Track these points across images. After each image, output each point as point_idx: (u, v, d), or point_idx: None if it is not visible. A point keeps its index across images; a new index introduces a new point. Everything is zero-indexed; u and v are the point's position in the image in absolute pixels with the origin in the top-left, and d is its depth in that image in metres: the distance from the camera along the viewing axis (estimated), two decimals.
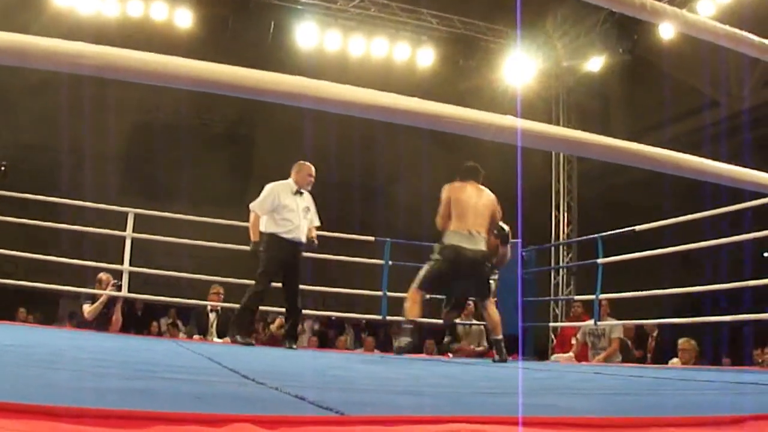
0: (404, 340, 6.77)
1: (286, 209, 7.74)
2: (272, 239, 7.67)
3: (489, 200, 7.21)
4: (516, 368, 5.97)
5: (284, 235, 7.70)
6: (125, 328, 9.55)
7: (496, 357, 7.08)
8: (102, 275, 8.95)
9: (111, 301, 8.97)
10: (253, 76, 1.40)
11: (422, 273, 7.01)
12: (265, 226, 7.73)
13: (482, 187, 7.25)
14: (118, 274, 8.86)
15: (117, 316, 9.10)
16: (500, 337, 7.13)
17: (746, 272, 9.11)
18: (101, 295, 8.85)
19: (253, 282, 7.78)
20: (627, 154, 1.78)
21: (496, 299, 9.73)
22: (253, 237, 7.81)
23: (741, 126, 13.38)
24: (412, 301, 6.96)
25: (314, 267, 10.21)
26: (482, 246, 7.06)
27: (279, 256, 7.65)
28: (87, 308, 8.93)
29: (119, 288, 8.92)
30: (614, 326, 9.89)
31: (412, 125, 1.56)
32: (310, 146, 14.24)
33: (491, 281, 7.51)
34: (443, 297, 7.93)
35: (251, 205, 7.82)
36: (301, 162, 8.05)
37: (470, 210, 7.07)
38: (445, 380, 3.53)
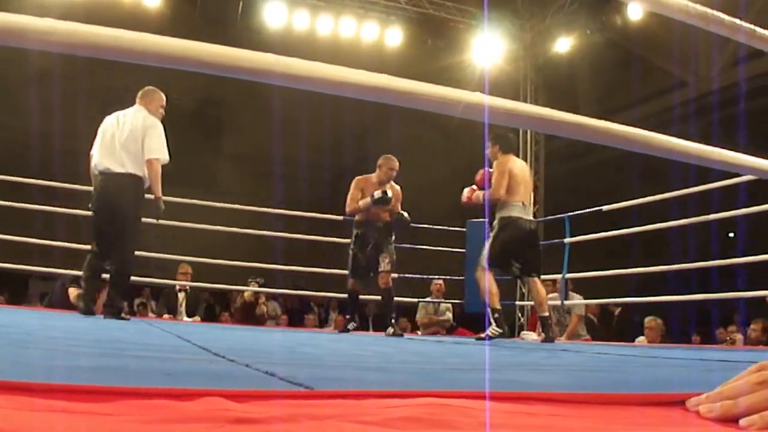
0: (497, 331, 6.83)
1: None
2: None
3: (528, 172, 7.57)
4: (483, 345, 6.00)
5: None
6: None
7: (542, 335, 7.24)
8: None
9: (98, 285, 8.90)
10: (223, 53, 1.39)
11: (487, 251, 7.07)
12: None
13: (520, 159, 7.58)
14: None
15: (101, 299, 9.07)
16: (547, 314, 7.27)
17: (713, 252, 9.19)
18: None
19: (223, 261, 7.87)
20: (595, 132, 1.79)
21: (463, 277, 9.83)
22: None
23: (710, 106, 13.43)
24: (491, 285, 6.99)
25: (284, 247, 10.24)
26: (532, 217, 7.39)
27: None
28: (74, 292, 8.84)
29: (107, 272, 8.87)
30: (575, 304, 9.98)
31: (381, 102, 1.55)
32: (280, 126, 14.22)
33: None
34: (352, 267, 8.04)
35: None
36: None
37: (522, 182, 7.22)
38: (415, 357, 3.55)
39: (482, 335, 7.11)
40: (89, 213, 7.23)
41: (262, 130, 15.52)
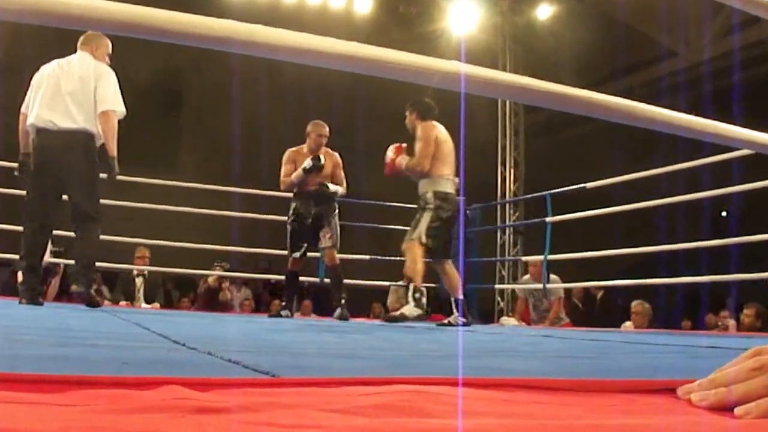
0: (414, 311, 6.63)
1: None
2: None
3: (452, 143, 7.15)
4: (459, 331, 6.02)
5: None
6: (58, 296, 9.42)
7: (456, 319, 6.96)
8: None
9: (49, 270, 8.83)
10: (180, 19, 1.37)
11: (424, 225, 6.82)
12: None
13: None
14: None
15: (54, 285, 9.00)
16: (461, 297, 7.06)
17: (705, 232, 9.24)
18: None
19: (182, 244, 7.76)
20: (578, 103, 1.79)
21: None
22: None
23: (700, 77, 13.48)
24: (414, 261, 6.74)
25: (247, 228, 10.20)
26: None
27: None
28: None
29: (59, 254, 8.79)
30: (553, 288, 10.02)
31: (350, 71, 1.55)
32: (241, 99, 14.15)
33: None
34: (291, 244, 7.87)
35: None
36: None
37: (449, 153, 7.02)
38: (386, 344, 3.56)
39: (393, 314, 7.02)
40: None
41: (223, 103, 15.46)
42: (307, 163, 7.58)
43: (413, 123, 7.08)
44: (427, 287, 10.61)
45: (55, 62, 6.50)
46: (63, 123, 6.19)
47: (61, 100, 6.23)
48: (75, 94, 6.25)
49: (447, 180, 6.89)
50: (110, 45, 6.67)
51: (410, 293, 6.69)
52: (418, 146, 6.94)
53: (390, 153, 7.20)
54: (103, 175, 6.47)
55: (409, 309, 6.61)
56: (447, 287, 7.16)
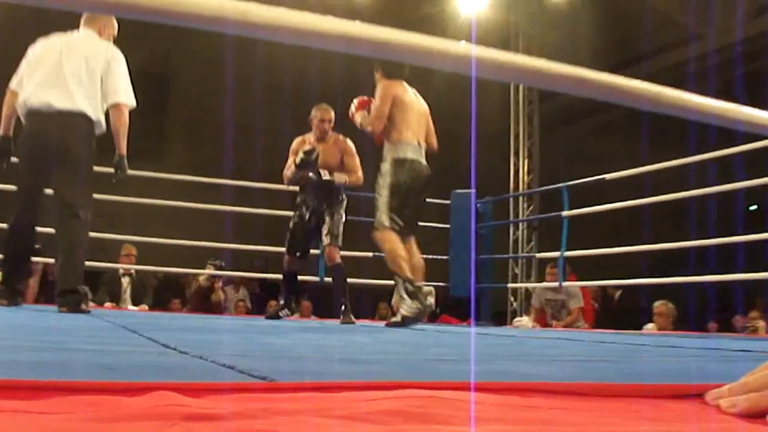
0: (413, 308, 6.24)
1: None
2: None
3: (426, 109, 6.87)
4: (470, 334, 6.01)
5: None
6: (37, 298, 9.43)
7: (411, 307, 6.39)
8: None
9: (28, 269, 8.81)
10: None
11: (383, 205, 6.48)
12: None
13: (415, 91, 6.88)
14: None
15: (34, 286, 8.99)
16: (419, 285, 6.59)
17: (737, 227, 9.18)
18: None
19: (171, 241, 7.69)
20: (599, 87, 1.77)
21: (447, 257, 9.77)
22: None
23: (731, 61, 13.42)
24: (392, 249, 6.38)
25: (238, 223, 10.19)
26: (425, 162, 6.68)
27: None
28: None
29: (38, 252, 8.75)
30: (572, 297, 10.00)
31: (353, 53, 1.54)
32: (234, 83, 14.14)
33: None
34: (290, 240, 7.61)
35: None
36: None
37: (415, 115, 6.68)
38: (393, 347, 3.55)
39: (395, 319, 6.49)
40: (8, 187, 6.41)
41: (214, 88, 15.46)
42: (300, 155, 7.25)
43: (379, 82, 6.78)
44: (436, 285, 10.62)
45: (56, 37, 6.14)
46: (60, 104, 5.83)
47: (61, 80, 5.87)
48: (78, 75, 5.92)
49: (409, 145, 6.58)
50: (116, 26, 6.35)
51: (401, 288, 6.32)
52: (373, 105, 6.68)
53: (352, 106, 7.00)
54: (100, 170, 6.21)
55: (407, 307, 6.24)
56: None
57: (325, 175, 7.42)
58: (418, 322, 6.36)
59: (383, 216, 6.40)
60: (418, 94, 6.86)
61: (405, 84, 6.77)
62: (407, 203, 6.51)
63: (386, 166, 6.58)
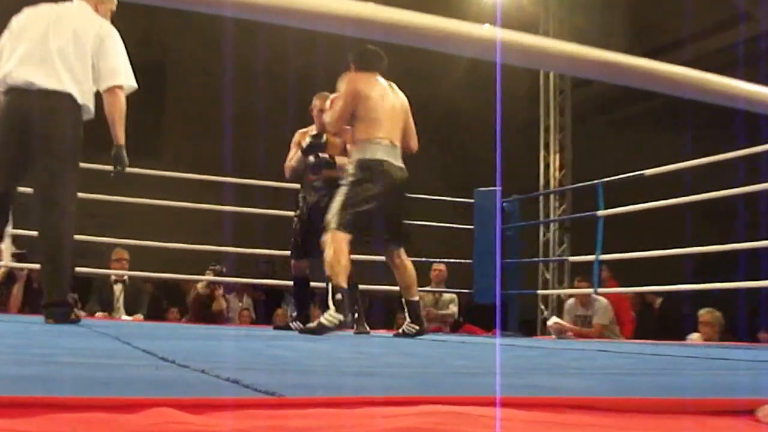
0: (334, 319, 6.02)
1: None
2: None
3: (404, 104, 6.71)
4: (496, 344, 6.00)
5: None
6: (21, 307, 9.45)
7: (409, 327, 6.60)
8: None
9: (11, 275, 8.84)
10: None
11: (340, 204, 6.27)
12: None
13: (392, 84, 6.73)
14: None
15: (17, 294, 8.99)
16: (416, 299, 6.69)
17: None
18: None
19: (167, 244, 7.67)
20: (636, 74, 1.77)
21: (471, 261, 9.76)
22: None
23: None
24: (336, 253, 6.16)
25: (241, 224, 10.19)
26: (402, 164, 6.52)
27: None
28: None
29: (22, 258, 8.76)
30: (600, 309, 9.97)
31: (366, 37, 1.54)
32: (234, 73, 14.15)
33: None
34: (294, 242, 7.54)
35: None
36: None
37: (387, 113, 6.50)
38: (412, 359, 3.55)
39: (311, 325, 6.34)
40: None
41: (213, 78, 15.48)
42: (306, 141, 7.16)
43: None
44: (459, 292, 10.60)
45: (45, 7, 5.80)
46: (44, 83, 5.49)
47: (47, 56, 5.55)
48: (65, 52, 5.59)
49: (378, 145, 6.38)
50: (116, 1, 6.00)
51: (330, 295, 6.10)
52: (335, 99, 6.58)
53: (326, 102, 6.90)
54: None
55: (329, 316, 6.01)
56: (399, 284, 6.73)
57: (339, 161, 7.23)
58: (333, 332, 6.10)
59: (334, 217, 6.22)
60: (395, 87, 6.72)
61: (377, 77, 6.63)
62: (374, 211, 6.33)
63: (350, 168, 6.44)
